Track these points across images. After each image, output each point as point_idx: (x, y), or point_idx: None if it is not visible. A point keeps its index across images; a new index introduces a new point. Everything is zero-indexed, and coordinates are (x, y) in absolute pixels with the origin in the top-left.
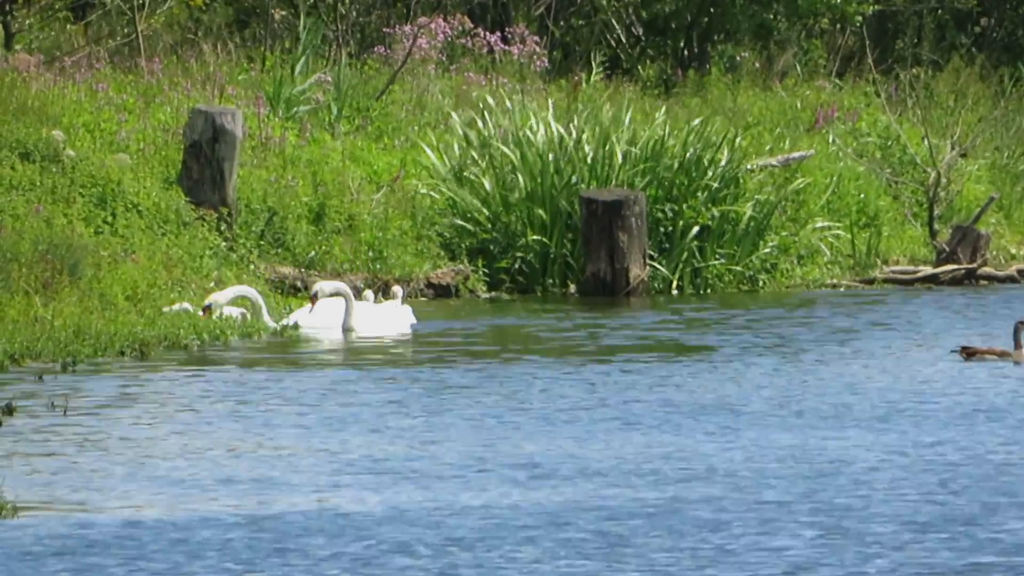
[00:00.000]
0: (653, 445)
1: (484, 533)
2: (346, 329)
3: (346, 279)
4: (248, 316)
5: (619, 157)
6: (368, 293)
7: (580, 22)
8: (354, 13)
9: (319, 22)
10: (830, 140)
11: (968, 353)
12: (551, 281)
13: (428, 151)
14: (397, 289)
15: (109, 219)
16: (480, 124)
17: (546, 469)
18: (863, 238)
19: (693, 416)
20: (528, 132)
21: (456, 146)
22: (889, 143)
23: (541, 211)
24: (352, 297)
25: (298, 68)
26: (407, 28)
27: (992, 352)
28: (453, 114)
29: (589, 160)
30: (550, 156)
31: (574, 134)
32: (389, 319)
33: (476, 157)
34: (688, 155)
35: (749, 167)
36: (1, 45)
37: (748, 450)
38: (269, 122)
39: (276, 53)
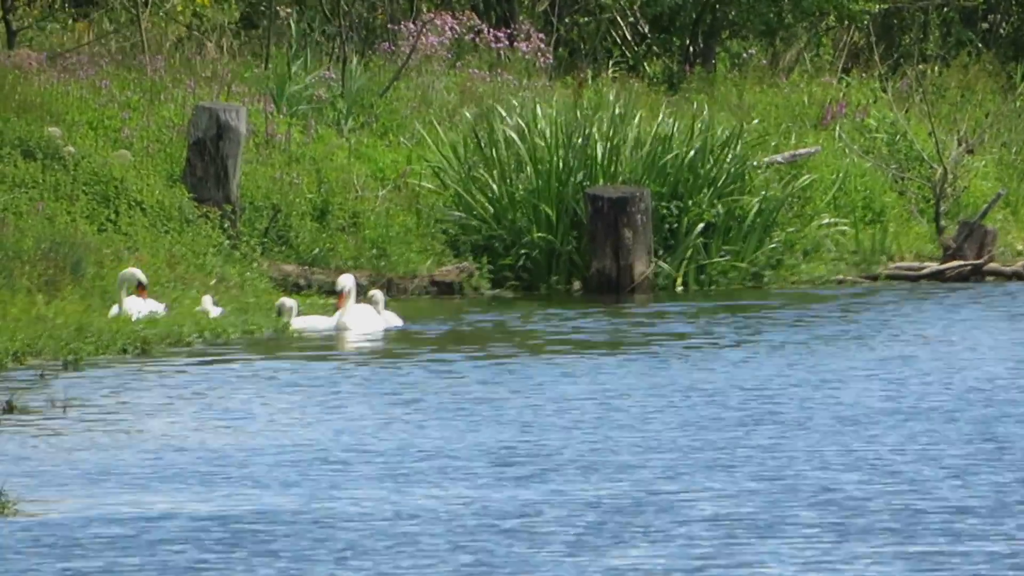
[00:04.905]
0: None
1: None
2: (339, 327)
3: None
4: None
5: (627, 154)
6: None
7: (585, 19)
8: (358, 8)
9: (314, 16)
10: (836, 136)
11: None
12: (556, 278)
13: (436, 147)
14: (377, 294)
15: (112, 217)
16: (486, 120)
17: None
18: (869, 234)
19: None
20: (535, 128)
21: (463, 142)
22: (896, 139)
23: (547, 208)
24: (354, 294)
25: (295, 66)
26: (412, 25)
27: None
28: (466, 113)
29: (598, 158)
30: (558, 152)
31: (582, 130)
32: (381, 318)
33: (482, 153)
34: (694, 152)
35: (755, 163)
36: (3, 43)
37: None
38: (274, 119)
39: (281, 50)
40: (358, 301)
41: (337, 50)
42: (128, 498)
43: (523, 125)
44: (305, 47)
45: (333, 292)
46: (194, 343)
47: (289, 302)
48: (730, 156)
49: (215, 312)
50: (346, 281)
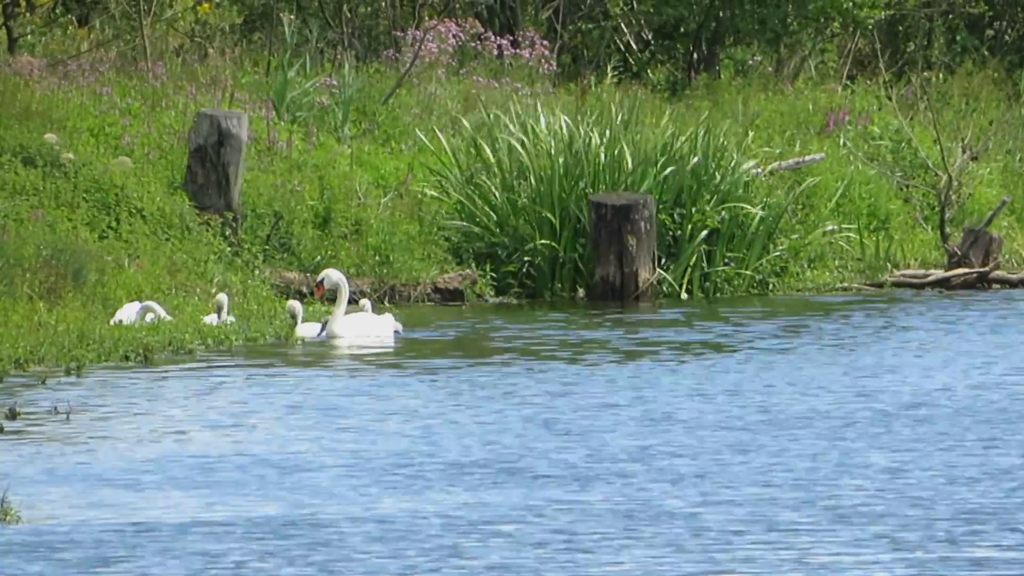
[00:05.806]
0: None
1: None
2: (329, 336)
3: (352, 284)
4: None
5: (628, 161)
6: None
7: (589, 26)
8: (360, 15)
9: (310, 23)
10: (841, 143)
11: None
12: (559, 285)
13: (442, 154)
14: (365, 303)
15: (113, 224)
16: (489, 127)
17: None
18: (873, 241)
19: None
20: (537, 135)
21: (464, 150)
22: (900, 146)
23: (549, 215)
24: (346, 297)
25: (291, 72)
26: (416, 32)
27: None
28: (464, 121)
29: (600, 164)
30: (560, 159)
31: (582, 137)
32: (374, 326)
33: (484, 160)
34: (696, 159)
35: (758, 171)
36: (4, 50)
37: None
38: (275, 126)
39: (284, 56)
40: (348, 312)
41: (339, 56)
42: (130, 504)
43: (524, 132)
44: (301, 53)
45: (334, 300)
46: (196, 350)
47: (297, 306)
48: (732, 163)
49: (228, 318)
50: (333, 276)
